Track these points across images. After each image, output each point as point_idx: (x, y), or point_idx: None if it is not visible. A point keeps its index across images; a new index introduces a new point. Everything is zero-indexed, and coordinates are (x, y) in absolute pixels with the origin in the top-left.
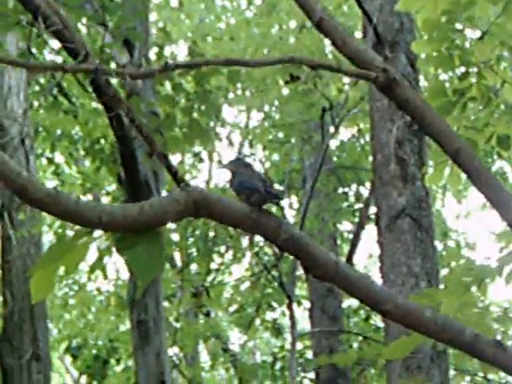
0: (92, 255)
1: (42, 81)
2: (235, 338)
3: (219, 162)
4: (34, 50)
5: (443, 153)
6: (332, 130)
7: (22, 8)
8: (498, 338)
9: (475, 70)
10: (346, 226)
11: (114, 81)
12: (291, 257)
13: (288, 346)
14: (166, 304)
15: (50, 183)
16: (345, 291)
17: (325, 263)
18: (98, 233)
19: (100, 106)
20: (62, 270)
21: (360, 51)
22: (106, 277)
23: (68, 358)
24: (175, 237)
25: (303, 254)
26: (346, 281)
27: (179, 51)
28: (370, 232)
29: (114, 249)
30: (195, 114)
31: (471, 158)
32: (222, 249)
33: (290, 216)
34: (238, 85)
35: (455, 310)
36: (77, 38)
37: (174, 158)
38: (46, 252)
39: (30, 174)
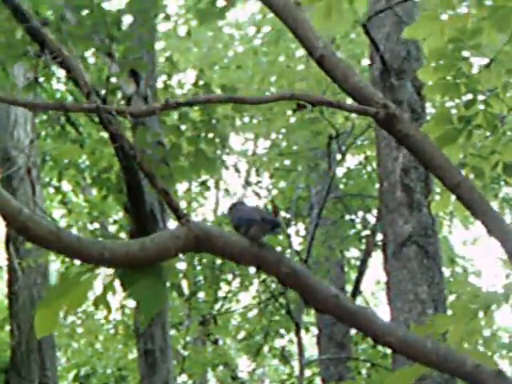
0: (98, 286)
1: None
2: (244, 366)
3: (226, 190)
4: (41, 80)
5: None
6: (339, 157)
7: (29, 39)
8: (505, 364)
9: (481, 97)
10: (353, 253)
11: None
12: None
13: (296, 373)
14: (173, 332)
15: (58, 212)
16: (345, 323)
17: (325, 297)
18: (101, 269)
19: (106, 135)
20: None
21: (361, 87)
22: (109, 311)
23: None
24: (182, 265)
25: (303, 287)
26: (346, 313)
27: (187, 80)
28: (378, 259)
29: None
30: (202, 144)
31: (471, 191)
32: (229, 277)
33: (297, 244)
34: (245, 113)
35: (461, 337)
36: (79, 74)
37: (181, 186)
38: (50, 290)
39: (31, 212)
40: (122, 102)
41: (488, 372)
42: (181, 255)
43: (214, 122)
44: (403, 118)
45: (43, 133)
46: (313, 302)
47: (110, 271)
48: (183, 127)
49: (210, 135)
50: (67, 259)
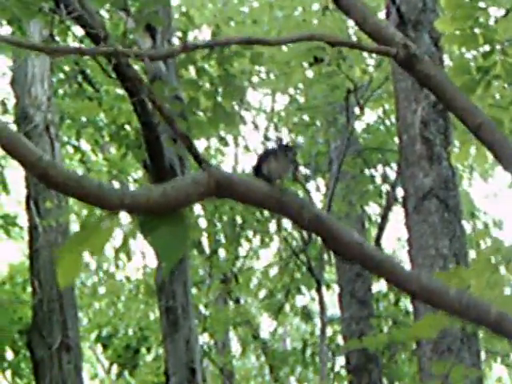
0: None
1: (66, 68)
2: (265, 325)
3: (245, 146)
4: (57, 38)
5: (467, 129)
6: (357, 111)
7: None
8: None
9: (499, 47)
10: (373, 209)
11: (137, 66)
12: (319, 241)
13: (318, 331)
14: (194, 291)
15: (77, 171)
16: (369, 271)
17: (349, 243)
18: (122, 216)
19: (124, 92)
20: (87, 255)
21: (380, 27)
22: (130, 259)
23: (99, 348)
24: (203, 223)
25: (327, 233)
26: (370, 261)
27: (202, 36)
28: (398, 214)
29: (138, 232)
30: (219, 98)
31: (493, 132)
32: (250, 234)
33: (317, 199)
34: (262, 68)
35: (483, 290)
36: (96, 20)
37: (200, 143)
38: (71, 236)
39: (51, 159)
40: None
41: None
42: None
43: (231, 76)
44: (424, 59)
45: (61, 91)
46: (336, 248)
47: (131, 218)
48: (201, 82)
49: (228, 89)
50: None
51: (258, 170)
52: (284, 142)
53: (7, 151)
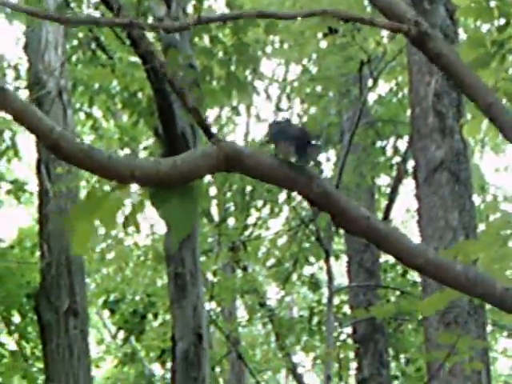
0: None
1: (79, 35)
2: (272, 293)
3: (257, 116)
4: (72, 5)
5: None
6: (370, 83)
7: None
8: None
9: None
10: (383, 180)
11: (151, 34)
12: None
13: (325, 300)
14: (203, 259)
15: (88, 137)
16: (376, 245)
17: (356, 217)
18: (131, 187)
19: (137, 59)
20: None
21: (393, 4)
22: (138, 231)
23: (106, 313)
24: (212, 191)
25: (334, 208)
26: (377, 235)
27: (217, 4)
28: (408, 187)
29: (146, 203)
30: (233, 67)
31: (503, 113)
32: (260, 203)
33: (328, 170)
34: (276, 38)
35: (492, 263)
36: None
37: (212, 112)
38: (79, 205)
39: (63, 130)
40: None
41: None
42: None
43: (245, 44)
44: (435, 37)
45: (74, 58)
46: (343, 223)
47: (140, 190)
48: (214, 50)
49: (241, 58)
50: (97, 185)
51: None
52: (312, 139)
53: (18, 121)
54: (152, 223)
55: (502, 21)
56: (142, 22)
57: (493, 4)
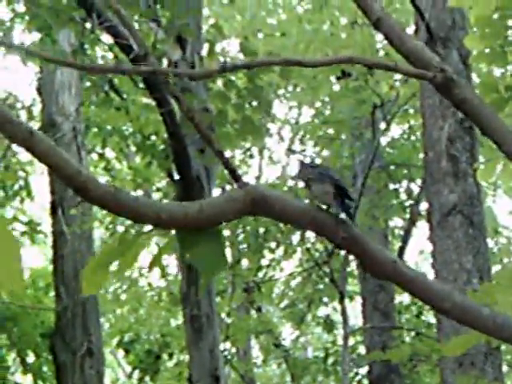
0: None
1: (93, 77)
2: (287, 334)
3: (270, 158)
4: (85, 47)
5: (497, 150)
6: (383, 126)
7: (75, 4)
8: None
9: None
10: (396, 223)
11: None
12: (342, 253)
13: (340, 341)
14: (217, 300)
15: (101, 179)
16: (403, 289)
17: (383, 262)
18: (156, 231)
19: (151, 102)
20: (114, 265)
21: (418, 51)
22: (164, 274)
23: (120, 353)
24: (226, 233)
25: (362, 252)
26: (403, 279)
27: (230, 47)
28: (421, 229)
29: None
30: (247, 111)
31: None
32: (273, 245)
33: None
34: (290, 80)
35: (509, 306)
36: (136, 36)
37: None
38: (104, 249)
39: (89, 172)
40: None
41: None
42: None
43: (259, 88)
44: (460, 82)
45: (87, 99)
46: (370, 268)
47: (166, 233)
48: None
49: (255, 102)
50: (110, 226)
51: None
52: (346, 188)
53: (45, 163)
54: (166, 264)
55: None
56: (167, 70)
57: (506, 49)
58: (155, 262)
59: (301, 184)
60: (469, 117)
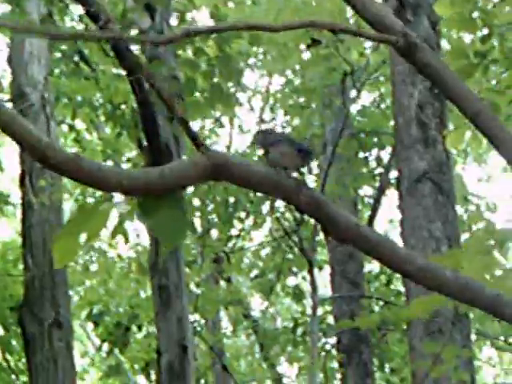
0: (112, 221)
1: (63, 47)
2: (256, 304)
3: (240, 127)
4: (55, 17)
5: (463, 116)
6: (353, 94)
7: None
8: None
9: (497, 32)
10: (366, 191)
11: (135, 46)
12: (312, 222)
13: (309, 311)
14: (186, 270)
15: (71, 150)
16: (366, 253)
17: (346, 226)
18: (119, 198)
19: (121, 72)
20: (83, 237)
21: (380, 15)
22: (127, 241)
23: (89, 325)
24: (195, 203)
25: (324, 216)
26: (367, 243)
27: (200, 16)
28: (391, 198)
29: (134, 214)
30: (216, 79)
31: (491, 121)
32: (243, 215)
33: (311, 181)
34: (259, 49)
35: (476, 272)
36: (98, 3)
37: (195, 124)
38: (68, 220)
39: (51, 140)
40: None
41: (507, 301)
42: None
43: (229, 56)
44: (423, 47)
45: (57, 70)
46: (333, 232)
47: (128, 200)
48: (198, 62)
49: (225, 70)
50: (80, 197)
51: (265, 150)
52: (305, 146)
53: (7, 132)
54: (137, 234)
55: (485, 31)
56: (130, 36)
57: (476, 15)
58: (117, 229)
59: (261, 151)
60: (432, 81)
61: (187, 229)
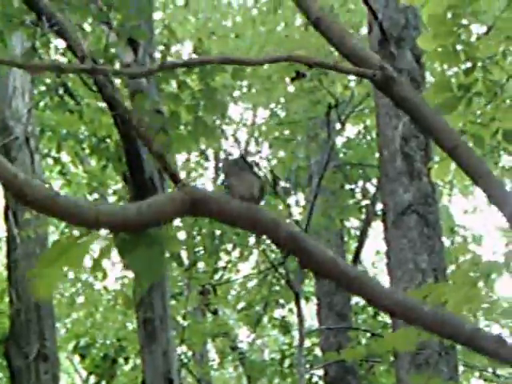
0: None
1: (47, 80)
2: (243, 336)
3: (225, 159)
4: (39, 51)
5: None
6: (338, 127)
7: (26, 8)
8: (505, 333)
9: (480, 65)
10: (352, 223)
11: (118, 80)
12: None
13: (296, 343)
14: (173, 302)
15: (57, 183)
16: (343, 288)
17: (323, 260)
18: (99, 232)
19: (104, 105)
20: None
21: (358, 49)
22: (105, 275)
23: (76, 358)
24: (182, 235)
25: (301, 251)
26: (344, 278)
27: (185, 50)
28: (377, 229)
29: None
30: (200, 112)
31: (469, 154)
32: (229, 247)
33: (297, 213)
34: (244, 82)
35: (461, 304)
36: (74, 39)
37: (180, 157)
38: (48, 251)
39: (27, 176)
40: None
41: (487, 336)
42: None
43: (212, 89)
44: (400, 81)
45: (41, 103)
46: (310, 266)
47: (107, 235)
48: (182, 96)
49: (209, 104)
50: (66, 230)
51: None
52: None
53: None
54: (122, 267)
55: (469, 64)
56: (105, 68)
57: (459, 48)
58: (96, 265)
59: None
60: (410, 115)
61: (164, 267)
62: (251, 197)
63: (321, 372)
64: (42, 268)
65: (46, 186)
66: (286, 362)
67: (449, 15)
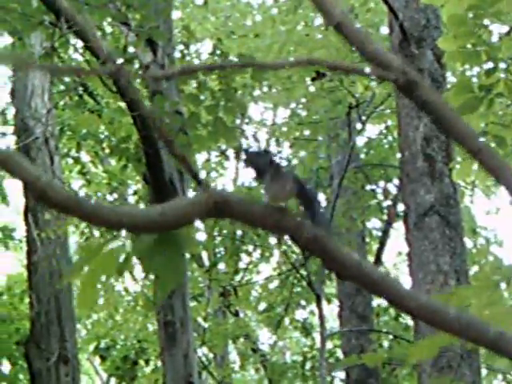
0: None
1: (66, 80)
2: (265, 338)
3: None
4: (58, 50)
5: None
6: (359, 127)
7: (45, 8)
8: None
9: (502, 65)
10: (374, 224)
11: (137, 80)
12: None
13: (318, 345)
14: (193, 304)
15: (76, 183)
16: (368, 290)
17: (347, 263)
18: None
19: (124, 105)
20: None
21: (379, 53)
22: (134, 278)
23: (97, 360)
24: (202, 236)
25: (325, 254)
26: (369, 280)
27: (204, 49)
28: (399, 230)
29: None
30: (220, 113)
31: (492, 156)
32: (250, 248)
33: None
34: (264, 82)
35: (483, 308)
36: (96, 42)
37: (200, 157)
38: (77, 260)
39: (49, 178)
40: (140, 72)
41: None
42: (202, 226)
43: (232, 90)
44: (423, 84)
45: (61, 103)
46: (334, 268)
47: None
48: (202, 96)
49: (229, 104)
50: (86, 231)
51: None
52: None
53: (6, 170)
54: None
55: (490, 64)
56: (128, 71)
57: (480, 48)
58: (123, 266)
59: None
60: (431, 118)
61: (183, 274)
62: (286, 198)
63: (343, 374)
64: (73, 279)
65: (65, 186)
66: (308, 365)
67: (469, 15)
